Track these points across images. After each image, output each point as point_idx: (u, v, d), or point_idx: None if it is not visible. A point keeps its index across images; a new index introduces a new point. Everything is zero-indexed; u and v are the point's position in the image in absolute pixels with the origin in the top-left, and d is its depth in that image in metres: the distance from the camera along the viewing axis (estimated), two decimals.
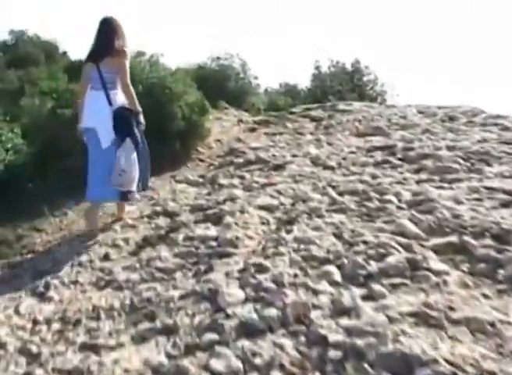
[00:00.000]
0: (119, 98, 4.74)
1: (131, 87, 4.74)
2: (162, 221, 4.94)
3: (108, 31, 4.76)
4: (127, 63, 4.72)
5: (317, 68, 15.74)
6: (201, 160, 6.90)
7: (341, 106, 9.02)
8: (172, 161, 6.80)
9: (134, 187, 4.85)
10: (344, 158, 5.60)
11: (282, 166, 5.66)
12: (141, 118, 4.84)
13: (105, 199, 5.15)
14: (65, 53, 26.77)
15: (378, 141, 6.12)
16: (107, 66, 4.69)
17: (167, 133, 6.85)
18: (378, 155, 5.52)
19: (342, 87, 14.61)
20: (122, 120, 4.68)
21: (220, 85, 14.93)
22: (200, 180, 5.99)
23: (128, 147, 4.68)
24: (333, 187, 4.70)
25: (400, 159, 5.25)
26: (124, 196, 4.92)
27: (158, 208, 5.25)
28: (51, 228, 5.64)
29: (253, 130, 8.19)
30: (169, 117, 6.94)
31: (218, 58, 16.33)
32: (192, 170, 6.52)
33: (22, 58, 20.85)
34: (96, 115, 4.73)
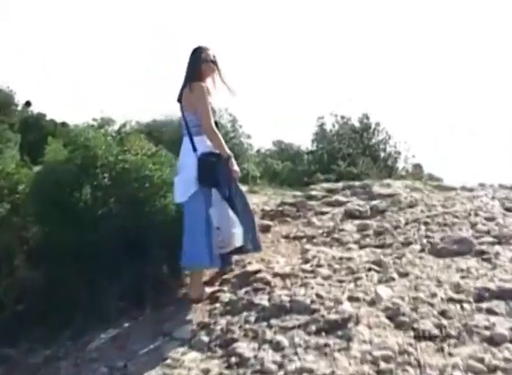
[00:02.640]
0: (205, 143, 4.30)
1: (215, 129, 4.28)
2: None
3: (189, 63, 4.40)
4: (205, 99, 4.26)
5: (320, 126, 13.82)
6: None
7: (377, 189, 7.09)
8: (156, 293, 4.71)
9: (237, 245, 4.28)
10: (444, 314, 3.52)
11: (341, 326, 3.56)
12: (234, 164, 4.41)
13: (203, 266, 4.50)
14: (28, 104, 24.47)
15: (481, 273, 4.06)
16: (187, 106, 4.35)
17: (146, 248, 4.78)
18: (503, 310, 3.48)
19: (352, 149, 12.72)
20: (206, 169, 4.18)
21: None
22: (205, 337, 3.88)
23: (217, 199, 4.20)
24: None
25: None
26: (225, 261, 4.54)
27: None
28: None
29: (266, 228, 6.12)
30: (149, 222, 4.87)
31: None
32: (189, 312, 4.40)
33: None
34: (179, 165, 4.42)
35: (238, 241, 4.27)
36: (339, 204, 6.73)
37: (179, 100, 4.41)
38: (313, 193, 7.32)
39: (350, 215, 6.09)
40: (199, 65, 4.38)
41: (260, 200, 7.97)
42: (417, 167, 16.65)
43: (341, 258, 4.74)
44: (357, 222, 5.81)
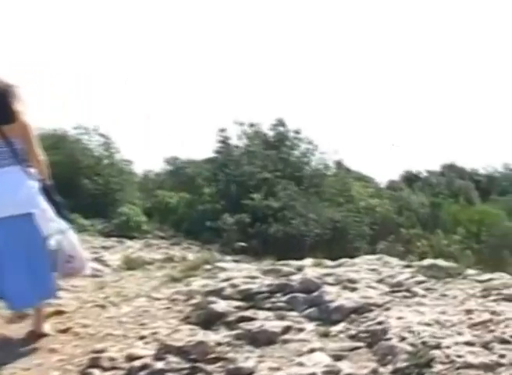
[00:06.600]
0: (33, 172, 3.88)
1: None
2: None
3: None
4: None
5: (223, 141, 10.55)
6: None
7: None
8: None
9: (87, 273, 4.24)
10: None
11: None
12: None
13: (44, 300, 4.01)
14: None
15: None
16: (15, 135, 3.79)
17: None
18: None
19: (268, 171, 9.62)
20: (52, 196, 3.90)
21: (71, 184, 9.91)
22: None
23: (64, 227, 3.90)
24: None
25: None
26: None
27: None
28: None
29: None
30: None
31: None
32: None
33: None
34: (25, 196, 3.77)
35: (88, 268, 4.15)
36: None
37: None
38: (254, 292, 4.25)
39: None
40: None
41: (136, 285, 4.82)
42: (340, 164, 14.26)
43: None
44: None
